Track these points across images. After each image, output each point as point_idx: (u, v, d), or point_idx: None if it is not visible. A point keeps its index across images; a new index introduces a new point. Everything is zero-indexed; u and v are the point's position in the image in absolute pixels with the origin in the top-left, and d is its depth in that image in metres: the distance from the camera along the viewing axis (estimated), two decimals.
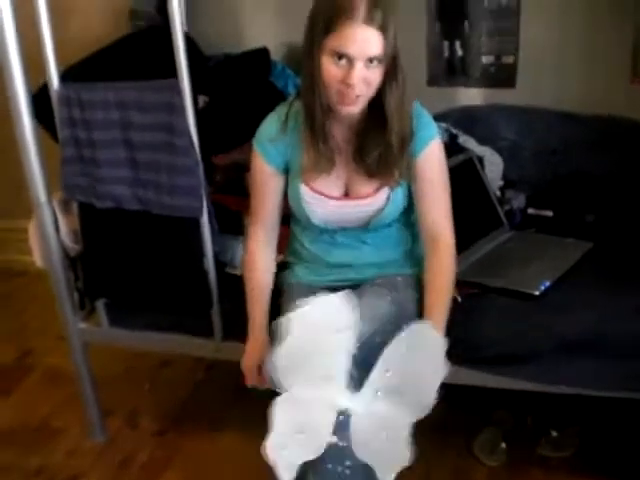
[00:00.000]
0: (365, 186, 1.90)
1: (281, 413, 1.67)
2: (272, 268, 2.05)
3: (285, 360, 1.67)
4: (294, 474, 1.67)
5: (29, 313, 3.40)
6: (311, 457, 1.65)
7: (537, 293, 2.08)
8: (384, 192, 1.89)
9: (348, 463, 1.67)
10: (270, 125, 1.92)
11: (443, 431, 2.47)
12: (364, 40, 1.66)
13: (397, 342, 1.67)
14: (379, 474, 1.70)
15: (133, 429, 2.65)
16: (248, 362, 1.97)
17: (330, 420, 1.66)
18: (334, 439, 1.67)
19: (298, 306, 1.69)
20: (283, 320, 1.68)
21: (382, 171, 1.86)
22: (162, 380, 2.90)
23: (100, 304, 2.36)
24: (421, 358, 1.68)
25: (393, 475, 1.70)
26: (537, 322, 2.02)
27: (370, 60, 1.68)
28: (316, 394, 1.68)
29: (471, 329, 2.03)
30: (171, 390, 2.84)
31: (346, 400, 1.67)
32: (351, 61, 1.67)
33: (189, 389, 2.84)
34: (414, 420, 1.70)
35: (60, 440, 2.61)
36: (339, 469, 1.66)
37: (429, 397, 1.69)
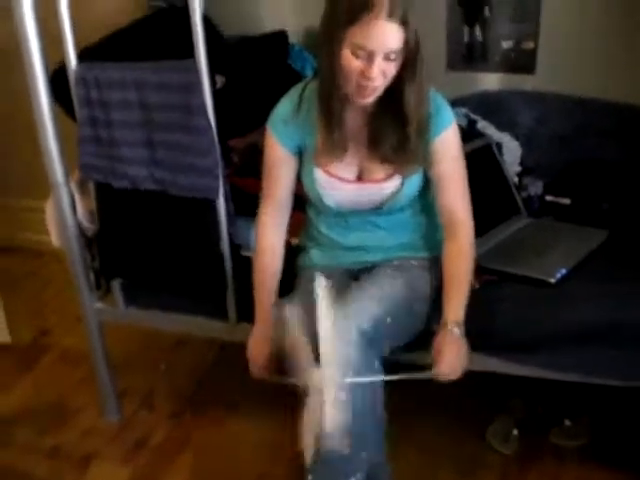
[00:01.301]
0: (379, 170, 1.89)
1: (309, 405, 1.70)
2: (281, 252, 2.03)
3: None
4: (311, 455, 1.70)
5: (47, 293, 3.42)
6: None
7: (553, 281, 2.07)
8: (397, 177, 1.89)
9: (347, 442, 1.67)
10: (284, 107, 1.92)
11: (456, 418, 2.47)
12: (385, 35, 1.64)
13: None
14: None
15: (149, 410, 2.66)
16: (254, 351, 1.97)
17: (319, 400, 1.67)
18: None
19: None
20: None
21: (397, 159, 1.85)
22: (177, 361, 2.92)
23: (116, 284, 2.37)
24: None
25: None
26: (553, 310, 2.00)
27: (390, 53, 1.67)
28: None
29: (487, 316, 2.02)
30: (186, 371, 2.86)
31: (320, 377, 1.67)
32: (371, 55, 1.66)
33: (204, 370, 2.85)
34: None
35: (75, 420, 2.63)
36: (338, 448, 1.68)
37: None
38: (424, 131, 1.82)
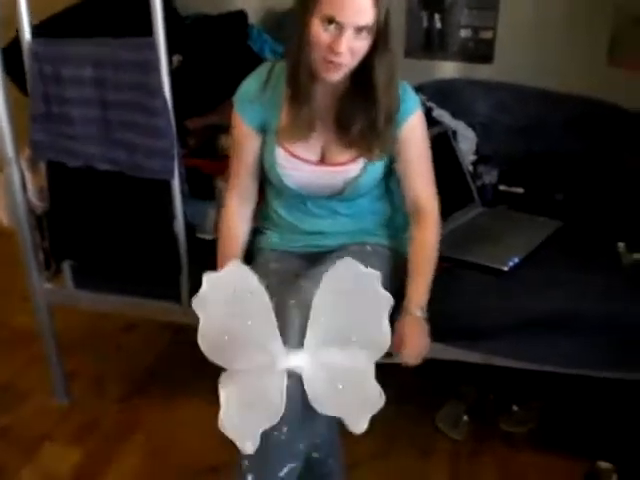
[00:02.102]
0: (342, 154, 1.88)
1: (226, 389, 1.67)
2: (247, 226, 2.02)
3: (208, 340, 1.66)
4: (256, 444, 1.65)
5: None
6: (268, 424, 1.63)
7: (506, 269, 2.10)
8: (360, 161, 1.88)
9: (285, 429, 1.66)
10: (250, 84, 1.90)
11: (406, 403, 2.49)
12: (357, 8, 1.63)
13: (324, 285, 1.64)
14: (349, 424, 1.68)
15: (98, 393, 2.63)
16: None
17: (279, 383, 1.63)
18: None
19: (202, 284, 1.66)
20: (193, 302, 1.65)
21: (362, 143, 1.84)
22: (127, 344, 2.89)
23: (66, 265, 2.34)
24: (355, 295, 1.66)
25: (366, 421, 1.68)
26: (505, 298, 2.03)
27: (360, 30, 1.66)
28: (256, 360, 1.65)
29: (439, 302, 2.02)
30: (136, 354, 2.83)
31: (288, 359, 1.64)
32: (341, 28, 1.65)
33: (155, 354, 2.83)
34: (373, 361, 1.69)
35: (24, 402, 2.58)
36: (275, 434, 1.66)
37: (380, 333, 1.68)
38: (393, 115, 1.82)
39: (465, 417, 2.42)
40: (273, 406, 1.63)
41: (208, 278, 1.64)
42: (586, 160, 2.54)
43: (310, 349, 1.66)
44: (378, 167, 1.90)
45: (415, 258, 1.92)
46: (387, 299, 1.67)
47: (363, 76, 1.76)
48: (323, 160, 1.90)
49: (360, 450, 2.27)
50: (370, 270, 1.66)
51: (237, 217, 2.00)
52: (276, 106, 1.87)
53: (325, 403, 1.66)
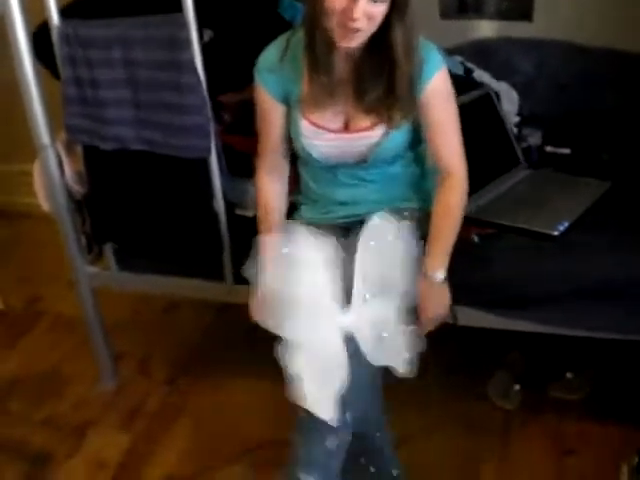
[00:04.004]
0: (363, 121, 1.83)
1: (294, 364, 1.65)
2: (283, 199, 2.00)
3: (266, 304, 1.69)
4: (334, 410, 1.65)
5: (37, 258, 3.36)
6: (341, 384, 1.63)
7: (556, 234, 2.03)
8: (381, 127, 1.83)
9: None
10: (269, 54, 1.86)
11: (456, 374, 2.46)
12: None
13: (361, 246, 1.69)
14: (400, 369, 1.69)
15: (144, 376, 2.64)
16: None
17: (339, 342, 1.65)
18: None
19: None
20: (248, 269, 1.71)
21: (381, 109, 1.79)
22: (171, 325, 2.89)
23: (108, 248, 2.33)
24: (391, 245, 1.70)
25: (414, 363, 1.68)
26: (555, 264, 1.97)
27: None
28: (313, 323, 1.66)
29: (487, 270, 2.00)
30: (180, 335, 2.83)
31: (343, 318, 1.67)
32: None
33: (199, 333, 2.82)
34: (408, 306, 1.71)
35: (70, 388, 2.60)
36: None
37: (411, 282, 1.71)
38: (413, 80, 1.76)
39: (516, 386, 2.38)
40: (340, 365, 1.64)
41: (261, 242, 1.72)
42: (631, 117, 2.45)
43: (357, 305, 1.67)
44: (402, 133, 1.84)
45: (437, 221, 1.86)
46: (415, 249, 1.74)
47: (381, 41, 1.70)
48: (346, 128, 1.85)
49: (412, 424, 2.25)
50: (404, 222, 1.73)
51: (271, 191, 1.97)
52: (297, 76, 1.83)
53: (376, 354, 1.68)
